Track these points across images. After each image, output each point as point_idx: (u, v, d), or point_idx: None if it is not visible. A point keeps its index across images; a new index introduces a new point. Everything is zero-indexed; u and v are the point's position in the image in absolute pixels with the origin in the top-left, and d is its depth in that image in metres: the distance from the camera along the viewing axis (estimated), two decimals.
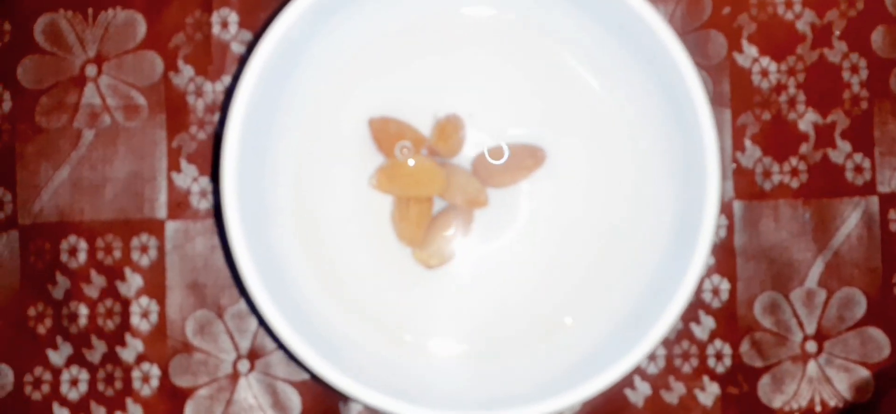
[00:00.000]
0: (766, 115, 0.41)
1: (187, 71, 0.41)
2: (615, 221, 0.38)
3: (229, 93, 0.41)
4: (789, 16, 0.41)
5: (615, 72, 0.38)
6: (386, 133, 0.38)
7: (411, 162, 0.38)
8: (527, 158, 0.38)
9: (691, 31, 0.40)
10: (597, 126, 0.39)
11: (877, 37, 0.41)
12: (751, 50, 0.41)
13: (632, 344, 0.35)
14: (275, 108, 0.37)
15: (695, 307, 0.40)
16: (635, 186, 0.38)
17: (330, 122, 0.39)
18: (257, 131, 0.36)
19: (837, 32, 0.41)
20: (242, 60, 0.41)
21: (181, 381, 0.40)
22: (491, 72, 0.39)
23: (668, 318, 0.35)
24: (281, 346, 0.40)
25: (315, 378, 0.40)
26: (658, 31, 0.35)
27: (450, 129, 0.38)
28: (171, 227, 0.40)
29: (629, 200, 0.38)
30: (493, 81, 0.39)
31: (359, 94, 0.39)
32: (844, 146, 0.41)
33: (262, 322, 0.40)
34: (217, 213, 0.40)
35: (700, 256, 0.35)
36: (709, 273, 0.40)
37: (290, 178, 0.38)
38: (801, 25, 0.41)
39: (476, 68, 0.39)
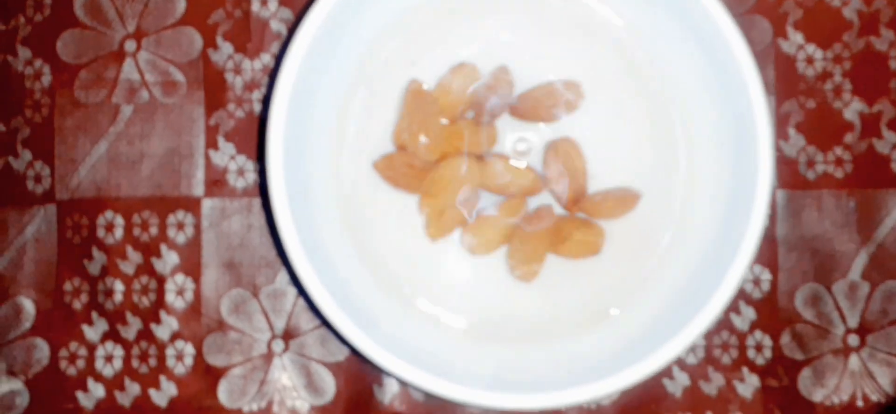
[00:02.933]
0: (811, 104, 0.40)
1: (226, 48, 0.40)
2: (664, 211, 0.38)
3: (268, 71, 0.40)
4: (836, 2, 0.40)
5: (671, 60, 0.38)
6: (419, 107, 0.38)
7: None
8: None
9: (736, 17, 0.40)
10: (648, 115, 0.38)
11: None
12: (796, 36, 0.40)
13: (672, 334, 0.35)
14: (317, 85, 0.36)
15: (735, 298, 0.39)
16: (685, 176, 0.38)
17: (368, 97, 0.38)
18: (300, 109, 0.35)
19: (885, 20, 0.40)
20: (283, 39, 0.40)
21: (215, 359, 0.40)
22: (543, 52, 0.38)
23: (712, 309, 0.34)
24: (324, 323, 0.39)
25: (351, 358, 0.40)
26: (718, 21, 0.34)
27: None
28: (208, 204, 0.40)
29: (678, 190, 0.38)
30: (546, 62, 0.38)
31: (399, 68, 0.38)
32: (890, 136, 0.40)
33: (306, 298, 0.40)
34: (257, 191, 0.40)
35: (747, 250, 0.34)
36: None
37: (329, 156, 0.38)
38: (848, 12, 0.40)
39: (527, 45, 0.38)
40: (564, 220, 0.38)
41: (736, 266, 0.34)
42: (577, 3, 0.38)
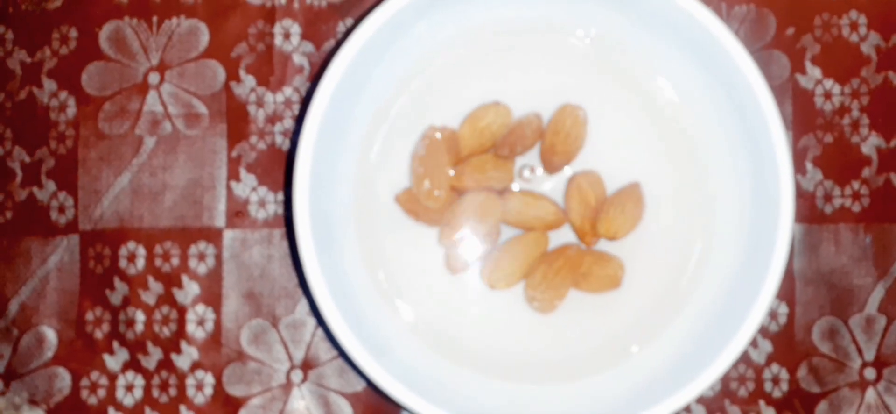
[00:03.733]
0: (829, 138, 0.40)
1: (249, 81, 0.41)
2: (684, 248, 0.38)
3: (290, 104, 0.41)
4: (854, 38, 0.41)
5: (692, 98, 0.38)
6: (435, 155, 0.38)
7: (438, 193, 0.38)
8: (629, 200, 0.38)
9: (754, 51, 0.40)
10: (668, 153, 0.38)
11: None
12: (814, 71, 0.40)
13: (694, 374, 0.35)
14: (343, 121, 0.37)
15: None
16: (706, 214, 0.38)
17: (391, 132, 0.38)
18: (326, 144, 0.36)
19: None
20: (306, 72, 0.41)
21: (235, 389, 0.40)
22: (566, 90, 0.38)
23: (735, 348, 0.34)
24: (341, 354, 0.40)
25: (368, 389, 0.40)
26: (736, 58, 0.34)
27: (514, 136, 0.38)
28: (229, 235, 0.40)
29: (699, 227, 0.38)
30: (568, 99, 0.38)
31: (422, 105, 0.38)
32: None
33: (325, 329, 0.40)
34: (277, 222, 0.40)
35: (768, 289, 0.34)
36: None
37: (352, 189, 0.38)
38: (866, 48, 0.40)
39: (550, 85, 0.38)
40: (584, 254, 0.38)
41: (758, 305, 0.34)
42: (601, 45, 0.38)
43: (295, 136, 0.40)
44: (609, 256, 0.38)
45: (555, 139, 0.38)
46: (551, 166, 0.38)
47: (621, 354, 0.38)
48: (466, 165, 0.38)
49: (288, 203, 0.40)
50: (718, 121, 0.37)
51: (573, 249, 0.38)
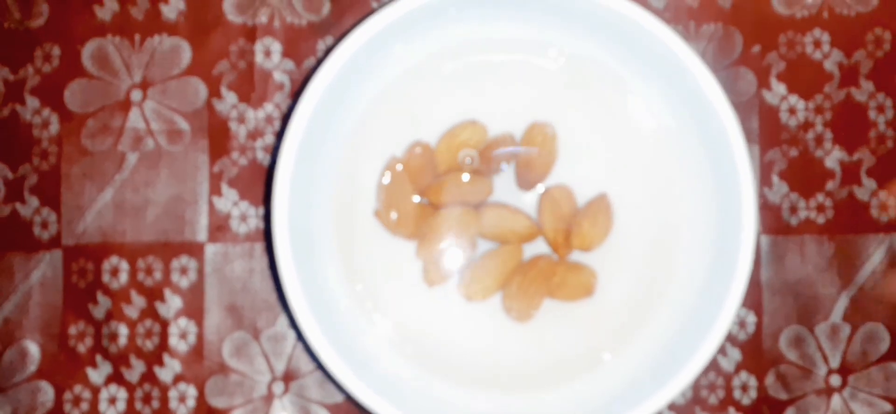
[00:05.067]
0: (794, 152, 0.41)
1: (230, 98, 0.41)
2: (654, 258, 0.39)
3: (271, 120, 0.41)
4: (817, 55, 0.42)
5: (657, 113, 0.39)
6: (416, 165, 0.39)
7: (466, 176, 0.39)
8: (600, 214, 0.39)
9: (721, 69, 0.41)
10: (636, 167, 0.39)
11: None
12: (779, 88, 0.42)
13: (664, 381, 0.36)
14: (322, 136, 0.37)
15: None
16: (674, 225, 0.39)
17: (371, 148, 0.39)
18: (306, 159, 0.36)
19: (864, 72, 0.42)
20: (286, 89, 0.41)
21: (217, 401, 0.41)
22: (539, 108, 0.39)
23: (703, 355, 0.35)
24: (319, 367, 0.40)
25: (349, 401, 0.40)
26: (699, 77, 0.36)
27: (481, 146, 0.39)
28: (211, 250, 0.41)
29: (668, 239, 0.39)
30: (540, 117, 0.40)
31: (401, 122, 0.39)
32: (870, 184, 0.41)
33: (304, 342, 0.41)
34: (259, 236, 0.41)
35: (733, 299, 0.35)
36: None
37: (331, 203, 0.39)
38: (829, 65, 0.42)
39: (524, 104, 0.39)
40: (557, 264, 0.39)
41: (724, 313, 0.35)
42: (576, 64, 0.39)
43: (275, 152, 0.41)
44: (581, 266, 0.39)
45: (527, 155, 0.39)
46: (526, 183, 0.39)
47: (594, 362, 0.38)
48: (444, 181, 0.39)
49: (268, 218, 0.41)
50: (684, 137, 0.38)
51: (546, 260, 0.39)
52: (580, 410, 0.37)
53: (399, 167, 0.38)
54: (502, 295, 0.39)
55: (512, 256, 0.39)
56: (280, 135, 0.41)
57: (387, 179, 0.38)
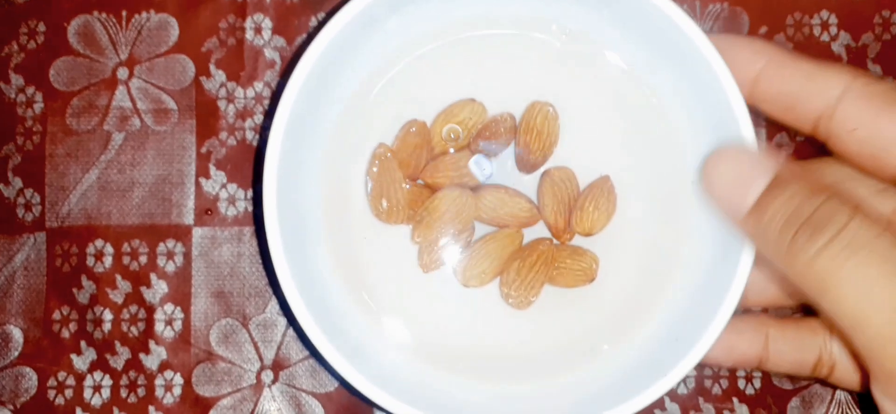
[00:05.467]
0: (800, 136, 0.40)
1: (219, 76, 0.40)
2: (656, 246, 0.38)
3: (261, 99, 0.40)
4: (825, 37, 0.41)
5: (661, 92, 0.37)
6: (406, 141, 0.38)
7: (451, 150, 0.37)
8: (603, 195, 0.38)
9: None
10: (640, 148, 0.38)
11: None
12: None
13: (666, 369, 0.35)
14: (312, 116, 0.36)
15: None
16: (678, 208, 0.37)
17: (363, 128, 0.38)
18: (296, 140, 0.35)
19: (872, 55, 0.41)
20: (278, 67, 0.40)
21: (204, 390, 0.40)
22: (540, 87, 0.38)
23: (706, 341, 0.34)
24: (313, 354, 0.39)
25: (340, 389, 0.39)
26: (703, 51, 0.34)
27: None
28: (198, 233, 0.40)
29: (670, 225, 0.38)
30: (541, 95, 0.38)
31: (394, 101, 0.38)
32: None
33: (296, 329, 0.39)
34: (247, 220, 0.40)
35: (738, 284, 0.34)
36: None
37: (322, 187, 0.38)
38: (837, 47, 0.41)
39: (524, 82, 0.38)
40: (558, 249, 0.38)
41: (728, 300, 0.34)
42: (578, 41, 0.38)
43: (264, 132, 0.40)
44: (583, 250, 0.38)
45: (528, 138, 0.37)
46: (527, 165, 0.38)
47: (594, 351, 0.37)
48: (440, 162, 0.38)
49: (257, 201, 0.40)
50: (690, 116, 0.37)
51: (546, 245, 0.37)
52: (580, 400, 0.36)
53: (387, 155, 0.37)
54: (500, 282, 0.37)
55: (511, 241, 0.38)
56: (269, 114, 0.40)
57: (375, 167, 0.37)
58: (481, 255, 0.37)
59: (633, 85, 0.38)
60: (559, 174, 0.37)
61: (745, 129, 0.34)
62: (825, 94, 0.31)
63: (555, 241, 0.38)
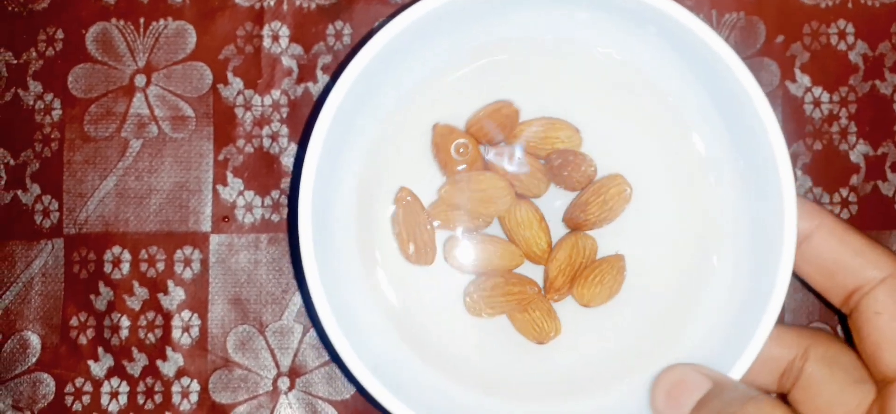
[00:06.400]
0: (818, 146, 0.40)
1: (236, 83, 0.40)
2: (686, 272, 0.37)
3: (278, 107, 0.40)
4: (842, 46, 0.41)
5: (689, 111, 0.37)
6: (447, 138, 0.37)
7: (463, 166, 0.37)
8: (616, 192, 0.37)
9: (744, 59, 0.40)
10: (669, 168, 0.37)
11: None
12: (803, 79, 0.40)
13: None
14: (348, 131, 0.35)
15: None
16: (706, 238, 0.37)
17: (394, 145, 0.37)
18: (332, 153, 0.34)
19: (889, 64, 0.41)
20: (294, 75, 0.40)
21: (221, 397, 0.40)
22: (571, 103, 0.38)
23: (742, 365, 0.33)
24: (334, 360, 0.39)
25: (357, 396, 0.39)
26: (731, 64, 0.34)
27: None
28: (216, 240, 0.40)
29: (699, 254, 0.37)
30: (572, 114, 0.38)
31: (424, 118, 0.37)
32: (895, 179, 0.40)
33: (319, 333, 0.39)
34: (264, 227, 0.40)
35: (770, 317, 0.33)
36: None
37: (354, 199, 0.37)
38: (854, 56, 0.41)
39: (557, 98, 0.37)
40: (538, 299, 0.37)
41: (758, 336, 0.33)
42: (604, 59, 0.37)
43: (304, 139, 0.39)
44: (555, 315, 0.37)
45: (593, 199, 0.37)
46: (573, 221, 0.37)
47: (618, 378, 0.37)
48: (431, 233, 0.37)
49: (291, 209, 0.39)
50: (726, 153, 0.36)
51: (533, 291, 0.37)
52: None
53: (408, 198, 0.37)
54: (472, 278, 0.37)
55: (510, 259, 0.37)
56: (309, 120, 0.39)
57: (398, 213, 0.36)
58: (486, 290, 0.37)
59: (657, 102, 0.37)
60: (585, 241, 0.37)
61: (785, 173, 0.33)
62: (869, 272, 0.32)
63: (542, 290, 0.37)
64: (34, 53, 0.40)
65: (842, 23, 0.41)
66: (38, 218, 0.40)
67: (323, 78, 0.40)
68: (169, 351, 0.40)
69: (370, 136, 0.37)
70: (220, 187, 0.40)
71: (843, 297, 0.33)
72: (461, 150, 0.37)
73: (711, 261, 0.36)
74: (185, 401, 0.40)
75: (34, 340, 0.40)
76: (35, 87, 0.40)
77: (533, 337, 0.37)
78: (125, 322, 0.40)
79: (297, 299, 0.40)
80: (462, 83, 0.37)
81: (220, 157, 0.40)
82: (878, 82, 0.40)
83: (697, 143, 0.37)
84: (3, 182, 0.40)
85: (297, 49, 0.40)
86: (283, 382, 0.40)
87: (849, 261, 0.32)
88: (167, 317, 0.40)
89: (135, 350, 0.40)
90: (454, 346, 0.37)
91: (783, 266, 0.33)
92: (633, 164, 0.37)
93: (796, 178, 0.40)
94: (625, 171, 0.37)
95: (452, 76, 0.37)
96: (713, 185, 0.37)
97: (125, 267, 0.40)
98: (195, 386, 0.40)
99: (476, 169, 0.37)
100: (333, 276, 0.34)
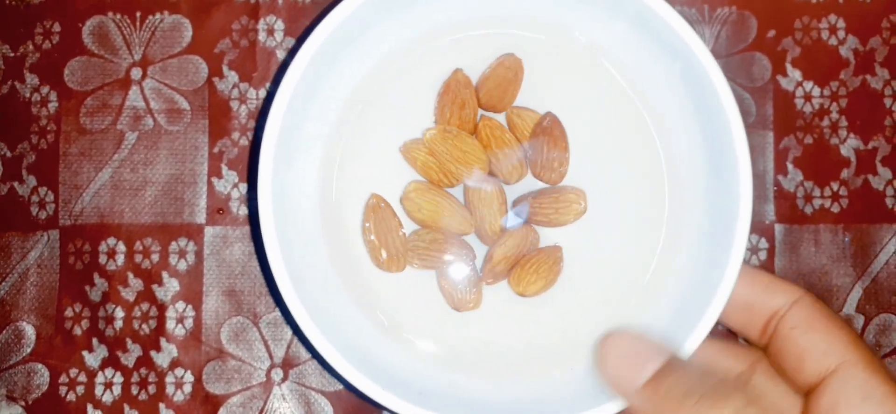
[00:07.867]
0: (809, 139, 0.41)
1: (232, 77, 0.41)
2: (649, 245, 0.37)
3: (270, 99, 0.41)
4: (833, 41, 0.41)
5: (654, 96, 0.37)
6: (461, 92, 0.37)
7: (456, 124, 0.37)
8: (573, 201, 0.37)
9: (736, 53, 0.40)
10: (633, 154, 0.38)
11: None
12: (794, 73, 0.41)
13: None
14: (307, 115, 0.36)
15: None
16: (669, 211, 0.37)
17: (359, 128, 0.37)
18: (291, 139, 0.34)
19: (880, 59, 0.41)
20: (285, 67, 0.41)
21: (215, 387, 0.40)
22: (537, 91, 0.38)
23: (692, 343, 0.34)
24: (315, 355, 0.39)
25: (349, 389, 0.40)
26: (698, 56, 0.34)
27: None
28: (210, 232, 0.40)
29: (662, 229, 0.37)
30: (535, 100, 0.38)
31: (387, 105, 0.37)
32: (885, 173, 0.41)
33: (297, 332, 0.40)
34: (252, 219, 0.40)
35: (720, 299, 0.34)
36: None
37: (317, 190, 0.37)
38: (845, 51, 0.41)
39: (543, 88, 0.38)
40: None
41: (716, 301, 0.34)
42: (565, 41, 0.38)
43: (257, 133, 0.40)
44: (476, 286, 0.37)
45: (548, 202, 0.37)
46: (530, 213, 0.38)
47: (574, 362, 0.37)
48: (404, 240, 0.37)
49: (252, 202, 0.40)
50: (684, 119, 0.36)
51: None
52: (571, 395, 0.35)
53: (381, 205, 0.37)
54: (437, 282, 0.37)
55: (524, 240, 0.37)
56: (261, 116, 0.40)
57: (369, 221, 0.37)
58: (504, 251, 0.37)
59: (623, 82, 0.37)
60: (533, 237, 0.37)
61: (741, 147, 0.33)
62: (780, 299, 0.33)
63: (476, 267, 0.37)
64: (31, 46, 0.41)
65: (833, 18, 0.41)
66: (34, 209, 0.40)
67: None
68: (163, 342, 0.40)
69: (329, 123, 0.37)
70: (214, 180, 0.40)
71: (761, 327, 0.34)
72: (466, 107, 0.37)
73: (667, 257, 0.37)
74: (179, 392, 0.40)
75: (29, 331, 0.40)
76: (32, 79, 0.41)
77: (451, 302, 0.37)
78: (119, 313, 0.40)
79: None
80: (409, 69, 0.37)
81: (215, 150, 0.40)
82: (868, 77, 0.41)
83: (667, 125, 0.37)
84: None
85: (292, 43, 0.41)
86: (277, 374, 0.40)
87: (760, 295, 0.34)
88: (161, 308, 0.40)
89: (129, 341, 0.40)
90: (413, 317, 0.37)
91: (733, 257, 0.33)
92: (591, 147, 0.37)
93: (787, 173, 0.40)
94: (585, 151, 0.37)
95: (419, 52, 0.37)
96: (683, 178, 0.37)
97: (120, 258, 0.40)
98: (189, 377, 0.40)
99: (466, 131, 0.37)
100: (302, 275, 0.34)
